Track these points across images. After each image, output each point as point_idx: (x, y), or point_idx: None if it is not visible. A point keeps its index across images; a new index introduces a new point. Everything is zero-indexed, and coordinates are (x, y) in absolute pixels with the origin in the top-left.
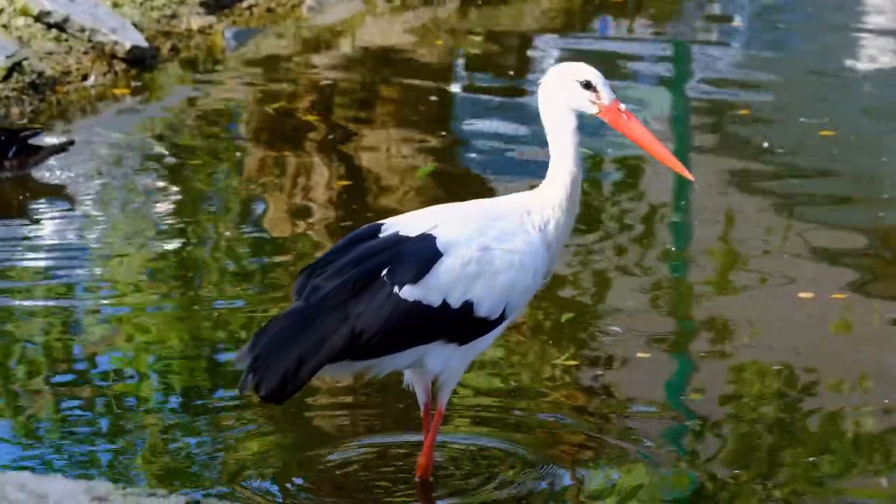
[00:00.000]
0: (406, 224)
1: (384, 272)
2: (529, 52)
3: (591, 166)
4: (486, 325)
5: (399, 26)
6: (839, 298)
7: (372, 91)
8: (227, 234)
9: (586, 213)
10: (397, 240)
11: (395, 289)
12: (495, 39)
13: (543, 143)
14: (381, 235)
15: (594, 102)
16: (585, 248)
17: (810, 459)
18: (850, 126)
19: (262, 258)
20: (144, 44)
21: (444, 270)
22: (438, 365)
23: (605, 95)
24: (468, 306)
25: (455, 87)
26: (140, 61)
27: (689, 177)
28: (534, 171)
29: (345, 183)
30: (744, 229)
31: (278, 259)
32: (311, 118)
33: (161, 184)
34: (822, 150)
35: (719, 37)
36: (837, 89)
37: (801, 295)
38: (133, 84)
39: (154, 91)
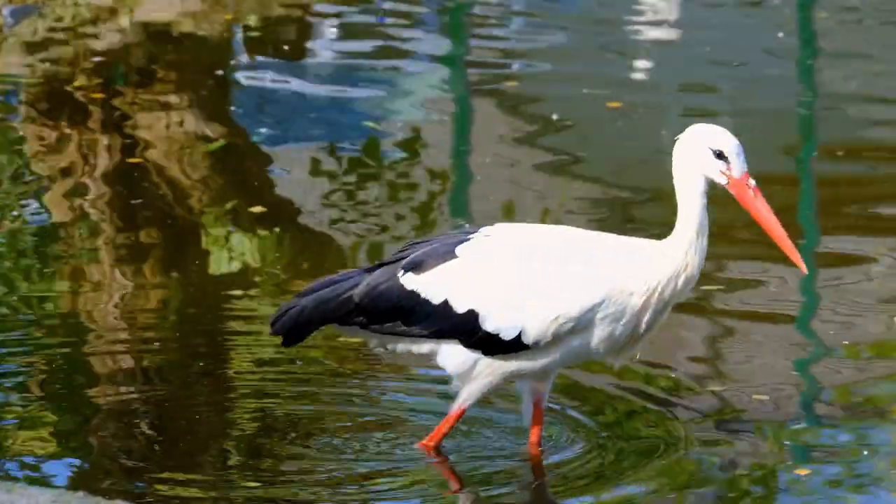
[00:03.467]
0: (482, 229)
1: (405, 259)
2: (309, 23)
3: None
4: (508, 344)
5: (178, 2)
6: None
7: (153, 67)
8: (8, 213)
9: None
10: (459, 240)
11: (400, 274)
12: (277, 12)
13: (326, 118)
14: (468, 235)
15: (724, 173)
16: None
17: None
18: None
19: (43, 238)
20: None
21: (449, 271)
22: (450, 366)
23: (737, 168)
24: (472, 315)
25: (237, 62)
26: None
27: (804, 269)
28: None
29: (130, 160)
30: (526, 198)
31: (59, 239)
32: (94, 95)
33: None
34: (609, 121)
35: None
36: (622, 59)
37: None
38: None
39: None
